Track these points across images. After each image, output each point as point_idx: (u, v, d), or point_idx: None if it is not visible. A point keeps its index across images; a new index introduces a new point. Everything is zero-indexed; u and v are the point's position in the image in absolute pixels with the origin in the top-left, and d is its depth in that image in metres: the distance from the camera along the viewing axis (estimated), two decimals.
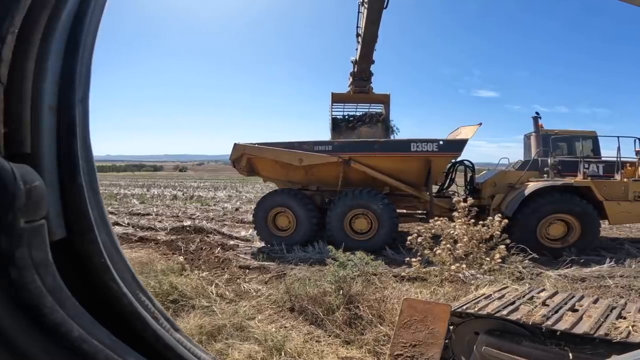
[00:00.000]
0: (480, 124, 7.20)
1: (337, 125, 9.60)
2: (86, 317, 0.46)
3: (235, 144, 7.65)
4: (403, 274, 4.73)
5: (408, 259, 4.57)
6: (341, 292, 3.79)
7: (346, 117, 9.90)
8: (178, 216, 12.19)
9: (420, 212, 7.80)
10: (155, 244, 8.15)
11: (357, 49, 8.71)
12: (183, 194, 20.48)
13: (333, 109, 9.66)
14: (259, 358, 3.15)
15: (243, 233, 9.19)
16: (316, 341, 3.59)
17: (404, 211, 7.86)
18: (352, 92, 9.48)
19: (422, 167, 7.19)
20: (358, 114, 9.97)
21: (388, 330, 3.26)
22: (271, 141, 7.70)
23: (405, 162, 7.17)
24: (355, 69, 9.06)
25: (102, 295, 0.50)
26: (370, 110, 9.93)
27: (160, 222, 10.89)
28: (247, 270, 6.22)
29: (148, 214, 12.55)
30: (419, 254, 4.61)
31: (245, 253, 7.31)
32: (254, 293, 5.11)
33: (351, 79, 9.40)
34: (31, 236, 0.40)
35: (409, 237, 4.73)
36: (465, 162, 8.09)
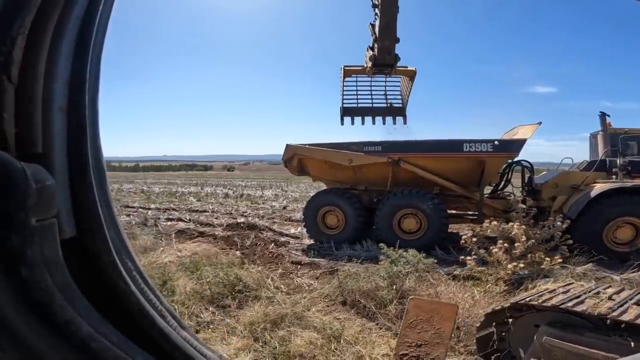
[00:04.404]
0: (540, 123, 6.92)
1: (347, 114, 8.63)
2: (95, 315, 0.46)
3: (287, 145, 8.00)
4: (455, 272, 4.74)
5: (462, 257, 4.58)
6: (394, 287, 3.93)
7: (358, 104, 8.66)
8: (231, 213, 12.77)
9: (471, 213, 7.63)
10: (213, 239, 8.67)
11: (375, 21, 6.75)
12: (233, 193, 21.46)
13: (345, 84, 8.53)
14: (318, 344, 3.40)
15: (292, 230, 9.53)
16: (368, 333, 3.76)
17: (454, 212, 7.74)
18: (369, 74, 7.84)
19: (475, 168, 7.05)
20: (373, 91, 8.69)
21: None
22: (321, 142, 7.96)
23: (457, 162, 7.08)
24: (376, 49, 6.89)
25: (111, 294, 0.51)
26: (388, 94, 8.77)
27: (216, 218, 11.55)
28: (299, 266, 6.45)
29: (205, 211, 13.33)
30: (473, 253, 4.59)
31: (296, 249, 7.60)
32: (307, 287, 5.37)
33: (370, 63, 7.33)
34: (42, 235, 0.41)
35: (464, 236, 4.73)
36: (523, 162, 7.77)
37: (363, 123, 8.50)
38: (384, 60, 6.97)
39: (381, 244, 4.94)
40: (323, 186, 8.81)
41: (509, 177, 7.89)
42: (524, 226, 4.53)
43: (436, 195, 7.02)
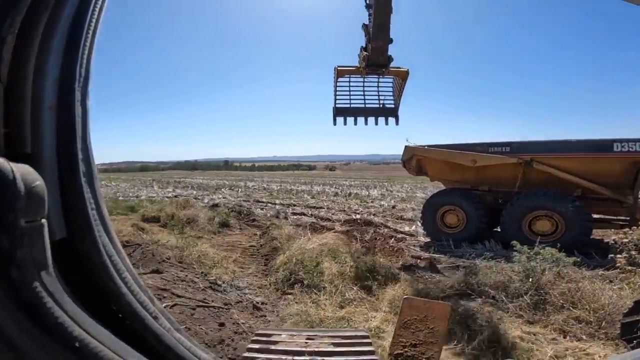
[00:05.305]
0: None
1: (340, 114, 8.53)
2: (86, 317, 0.46)
3: (406, 146, 8.50)
4: (600, 272, 4.54)
5: (612, 256, 4.39)
6: (530, 280, 4.10)
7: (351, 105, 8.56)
8: (345, 210, 13.69)
9: (619, 217, 6.86)
10: (334, 233, 9.69)
11: (369, 21, 6.72)
12: (341, 192, 22.58)
13: (338, 85, 8.45)
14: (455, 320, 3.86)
15: (406, 228, 9.91)
16: (499, 318, 3.98)
17: (598, 216, 7.07)
18: (362, 74, 7.90)
19: (629, 170, 6.43)
20: (365, 91, 8.55)
21: (581, 313, 3.46)
22: (440, 143, 8.23)
23: (606, 163, 6.55)
24: (369, 49, 6.89)
25: (102, 295, 0.50)
26: (381, 94, 8.54)
27: (333, 214, 12.63)
28: (419, 260, 6.80)
29: (321, 207, 14.56)
30: (624, 253, 4.37)
31: (414, 245, 7.98)
32: (429, 279, 5.75)
33: (363, 63, 7.39)
34: (32, 236, 0.40)
35: (614, 237, 4.50)
36: None
37: (356, 123, 8.50)
38: (377, 61, 7.00)
39: (514, 242, 5.03)
40: (429, 186, 8.86)
41: None
42: None
43: (578, 198, 6.61)
